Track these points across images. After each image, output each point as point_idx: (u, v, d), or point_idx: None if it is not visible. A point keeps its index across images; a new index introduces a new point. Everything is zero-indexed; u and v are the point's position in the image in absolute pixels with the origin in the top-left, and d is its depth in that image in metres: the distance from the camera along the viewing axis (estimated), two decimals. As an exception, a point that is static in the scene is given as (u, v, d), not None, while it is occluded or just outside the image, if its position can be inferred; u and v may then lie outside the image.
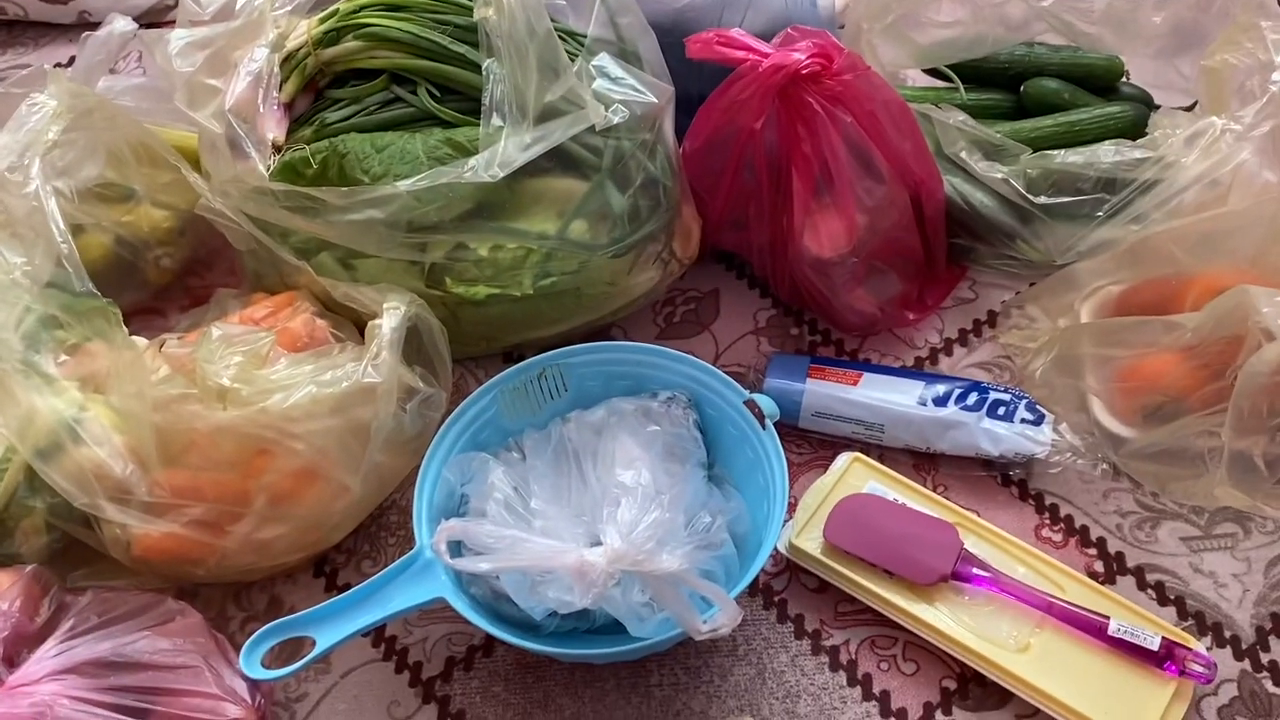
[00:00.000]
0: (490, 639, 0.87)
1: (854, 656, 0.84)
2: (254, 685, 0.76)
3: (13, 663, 0.74)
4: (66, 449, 0.83)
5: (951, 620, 0.82)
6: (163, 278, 1.07)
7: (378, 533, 0.93)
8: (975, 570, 0.83)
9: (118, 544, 0.84)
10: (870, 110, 0.89)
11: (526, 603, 0.77)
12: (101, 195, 1.01)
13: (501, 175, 0.83)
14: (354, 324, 0.94)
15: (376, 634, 0.88)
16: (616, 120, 0.85)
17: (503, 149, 0.84)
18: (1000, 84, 1.12)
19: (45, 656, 0.74)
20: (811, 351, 1.01)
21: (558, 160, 0.90)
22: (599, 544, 0.73)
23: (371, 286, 0.88)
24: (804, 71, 0.86)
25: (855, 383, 0.93)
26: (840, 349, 1.01)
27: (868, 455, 0.91)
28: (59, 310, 0.84)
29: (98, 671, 0.73)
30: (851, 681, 0.83)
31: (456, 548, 0.80)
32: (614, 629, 0.80)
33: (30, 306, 0.85)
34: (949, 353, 1.01)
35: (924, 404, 0.91)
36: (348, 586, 0.91)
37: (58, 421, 0.83)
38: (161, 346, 0.86)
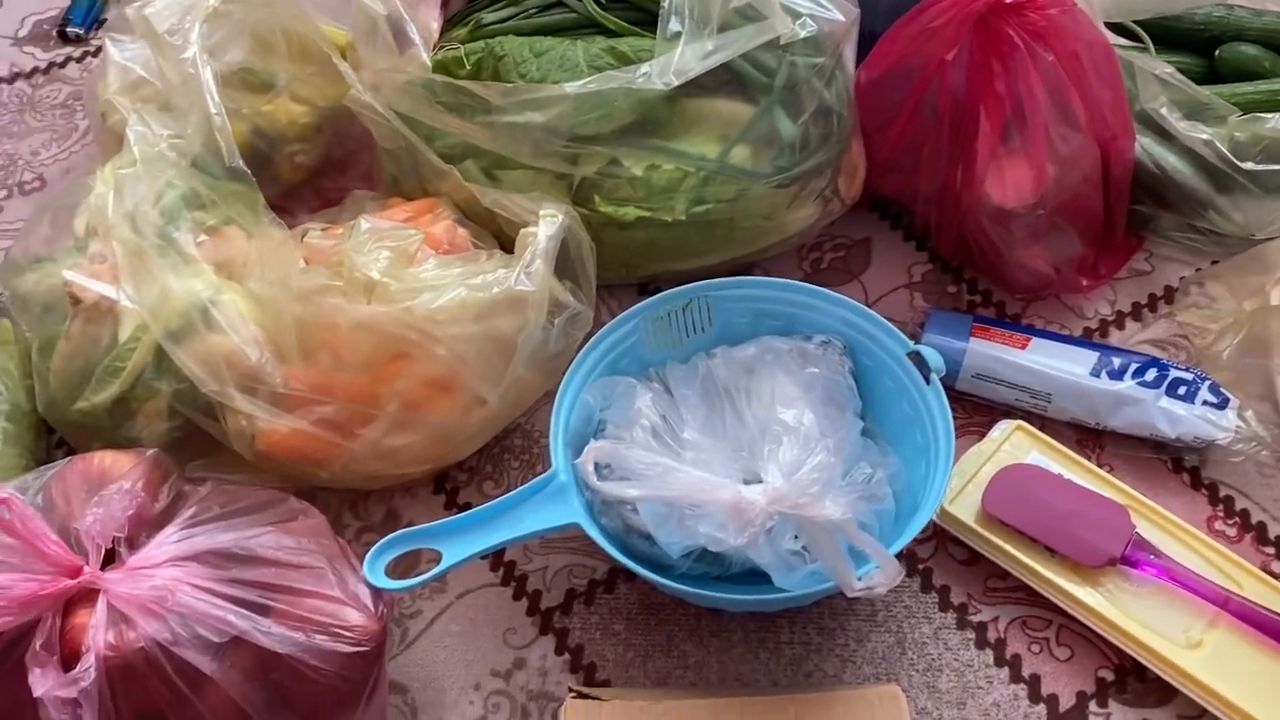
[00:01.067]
0: (613, 575, 0.83)
1: (1003, 635, 0.79)
2: (377, 594, 0.72)
3: (133, 544, 0.71)
4: (199, 332, 0.80)
5: (1116, 607, 0.76)
6: (295, 175, 1.04)
7: (500, 454, 0.89)
8: (1147, 556, 0.76)
9: (241, 436, 0.81)
10: (1073, 50, 0.82)
11: (666, 538, 0.73)
12: (244, 81, 0.97)
13: (676, 84, 0.78)
14: (494, 236, 0.90)
15: (495, 558, 0.84)
16: (804, 34, 0.80)
17: (679, 56, 0.79)
18: (1191, 47, 1.04)
19: (167, 541, 0.71)
20: (970, 312, 0.95)
21: (724, 80, 0.85)
22: (753, 482, 0.68)
23: (524, 194, 0.83)
24: (1007, 0, 0.80)
25: (1023, 346, 0.86)
26: (1001, 312, 0.95)
27: (1028, 424, 0.85)
28: (202, 188, 0.81)
29: (219, 562, 0.70)
30: (999, 661, 0.78)
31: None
32: (746, 579, 0.76)
33: (172, 182, 0.82)
34: (1120, 326, 0.94)
35: (1097, 375, 0.85)
36: (468, 506, 0.87)
37: (192, 303, 0.80)
38: (303, 237, 0.82)
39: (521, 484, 0.87)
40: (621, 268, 0.94)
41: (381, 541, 0.74)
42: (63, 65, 1.20)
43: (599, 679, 0.78)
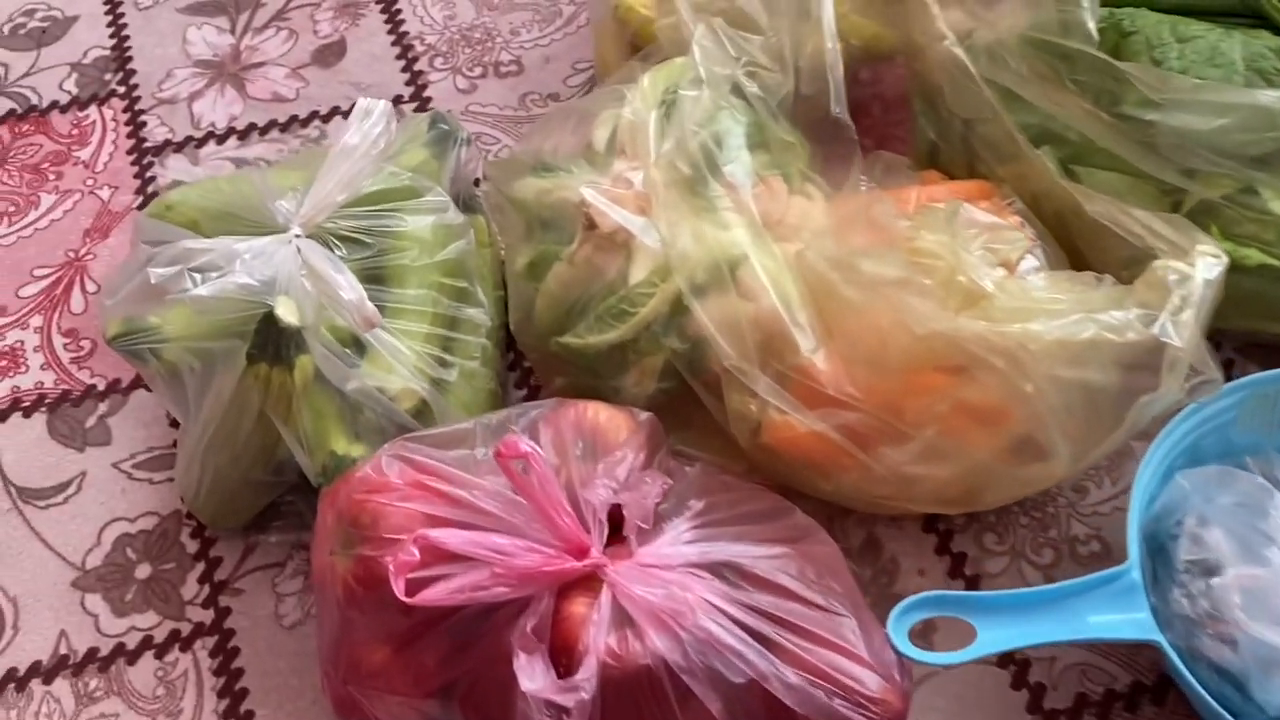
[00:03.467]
0: (1136, 690, 0.68)
1: None
2: (901, 662, 0.60)
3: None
4: (727, 292, 0.68)
5: None
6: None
7: (1009, 506, 0.75)
8: None
9: (743, 421, 0.69)
10: None
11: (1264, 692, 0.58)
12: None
13: None
14: (1057, 245, 0.74)
15: (992, 630, 0.71)
16: None
17: None
18: None
19: (679, 540, 0.61)
20: None
21: None
22: None
23: (1159, 216, 0.67)
24: None
25: None
26: None
27: None
28: (776, 129, 0.69)
29: (735, 580, 0.59)
30: None
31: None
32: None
33: (736, 115, 0.70)
34: None
35: None
36: (962, 555, 0.74)
37: (724, 256, 0.69)
38: (870, 207, 0.69)
39: (1030, 549, 0.74)
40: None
41: (910, 599, 0.62)
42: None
43: (1113, 819, 0.64)
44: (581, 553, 0.59)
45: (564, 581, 0.59)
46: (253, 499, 0.73)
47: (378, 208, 0.71)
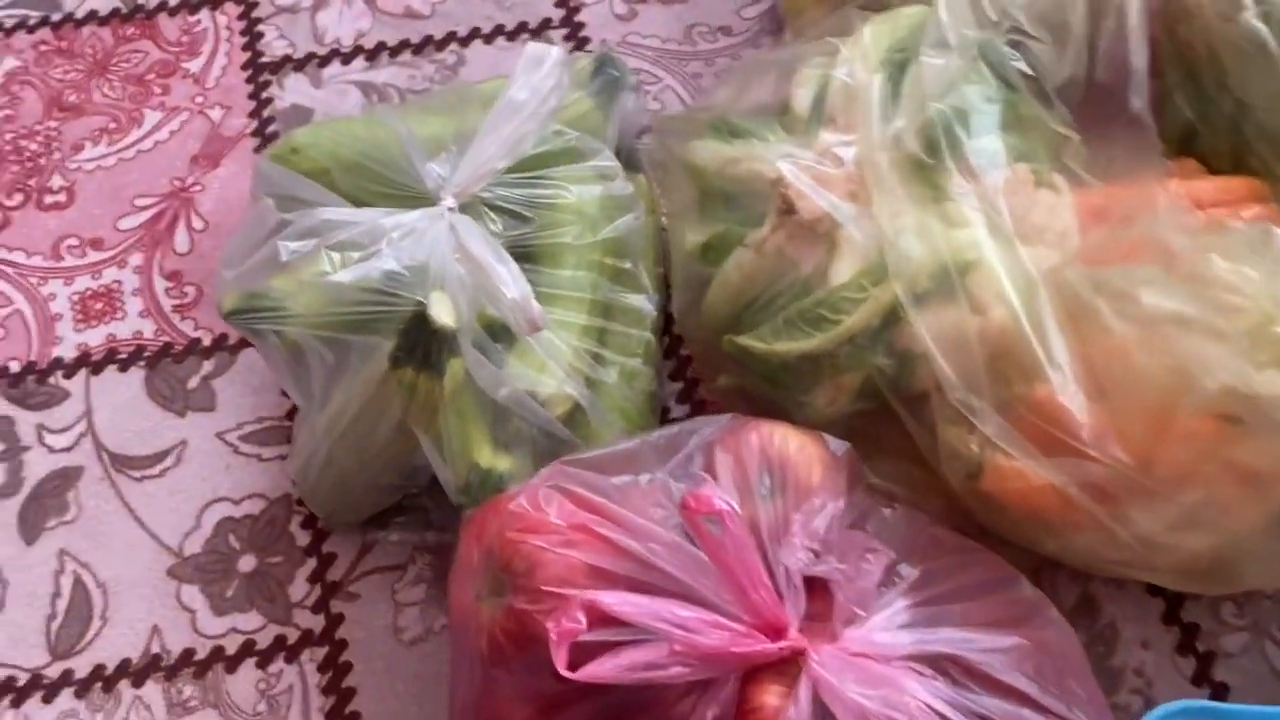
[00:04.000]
0: (1405, 820, 0.57)
1: None
2: (1151, 793, 0.50)
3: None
4: (957, 305, 0.57)
5: None
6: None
7: (1252, 571, 0.64)
8: None
9: (958, 460, 0.58)
10: None
11: None
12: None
13: None
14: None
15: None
16: None
17: None
18: None
19: (893, 624, 0.50)
20: None
21: None
22: None
23: None
24: None
25: None
26: None
27: None
28: (1022, 104, 0.57)
29: (962, 679, 0.49)
30: None
31: None
32: None
33: (990, 94, 0.57)
34: None
35: None
36: (1193, 626, 0.63)
37: (958, 260, 0.57)
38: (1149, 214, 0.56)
39: (1275, 626, 0.63)
40: None
41: (1162, 710, 0.51)
42: None
43: None
44: (777, 632, 0.49)
45: (753, 665, 0.49)
46: (376, 499, 0.64)
47: (539, 173, 0.60)
